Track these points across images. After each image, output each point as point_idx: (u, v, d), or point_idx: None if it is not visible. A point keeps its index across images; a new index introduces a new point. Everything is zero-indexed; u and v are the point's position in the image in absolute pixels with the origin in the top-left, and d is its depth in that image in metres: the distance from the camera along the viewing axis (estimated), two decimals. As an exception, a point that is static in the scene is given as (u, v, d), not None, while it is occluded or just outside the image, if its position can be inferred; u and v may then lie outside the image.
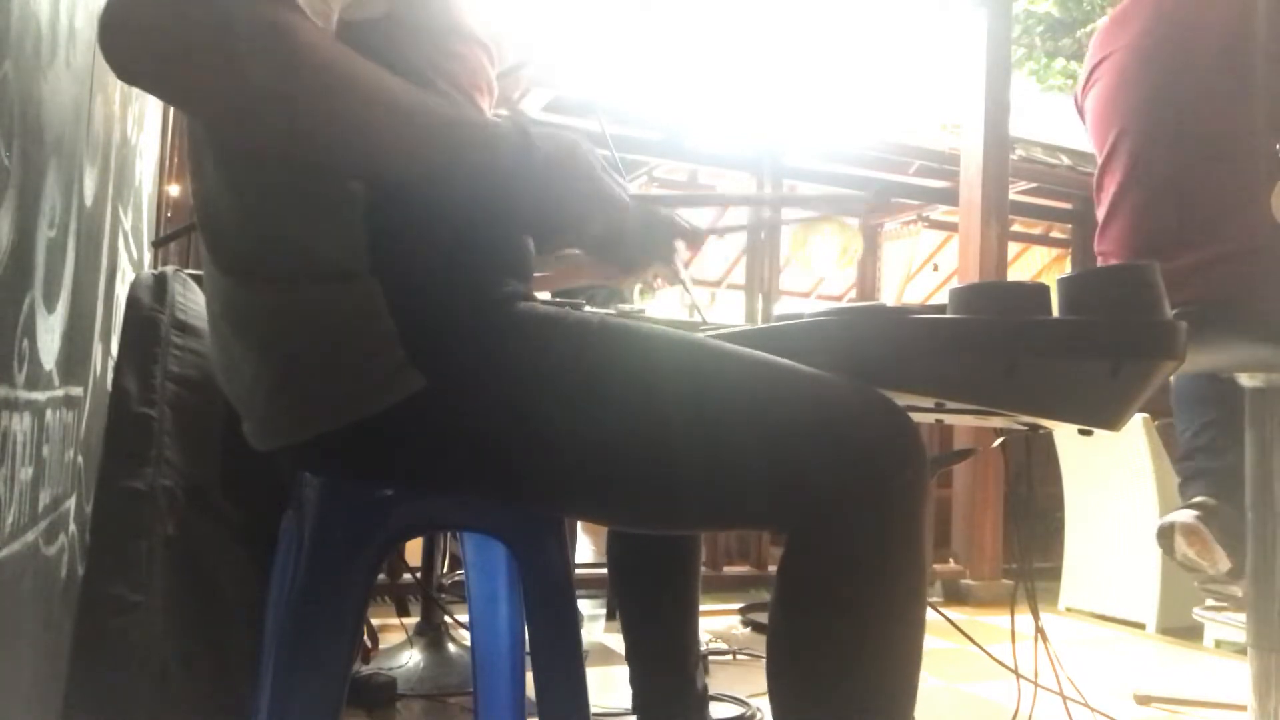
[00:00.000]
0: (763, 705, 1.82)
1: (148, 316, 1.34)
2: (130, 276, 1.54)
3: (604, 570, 1.31)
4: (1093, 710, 1.62)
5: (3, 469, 0.76)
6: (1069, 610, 3.29)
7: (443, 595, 2.10)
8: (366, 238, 0.81)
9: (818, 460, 0.81)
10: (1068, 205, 5.26)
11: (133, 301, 1.36)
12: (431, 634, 2.04)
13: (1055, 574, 3.36)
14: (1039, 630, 1.39)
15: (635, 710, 1.24)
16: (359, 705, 1.76)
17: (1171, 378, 2.05)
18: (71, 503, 1.10)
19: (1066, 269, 6.59)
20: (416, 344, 0.81)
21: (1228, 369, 1.65)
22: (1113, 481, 3.16)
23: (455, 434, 0.83)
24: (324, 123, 0.72)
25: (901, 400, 0.92)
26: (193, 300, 1.41)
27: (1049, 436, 3.34)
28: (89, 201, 1.11)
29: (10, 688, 0.84)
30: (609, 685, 1.92)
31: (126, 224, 1.52)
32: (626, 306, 2.71)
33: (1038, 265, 7.69)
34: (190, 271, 1.47)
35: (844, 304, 3.98)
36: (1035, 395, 0.87)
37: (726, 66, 4.31)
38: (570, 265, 1.30)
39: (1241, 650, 2.13)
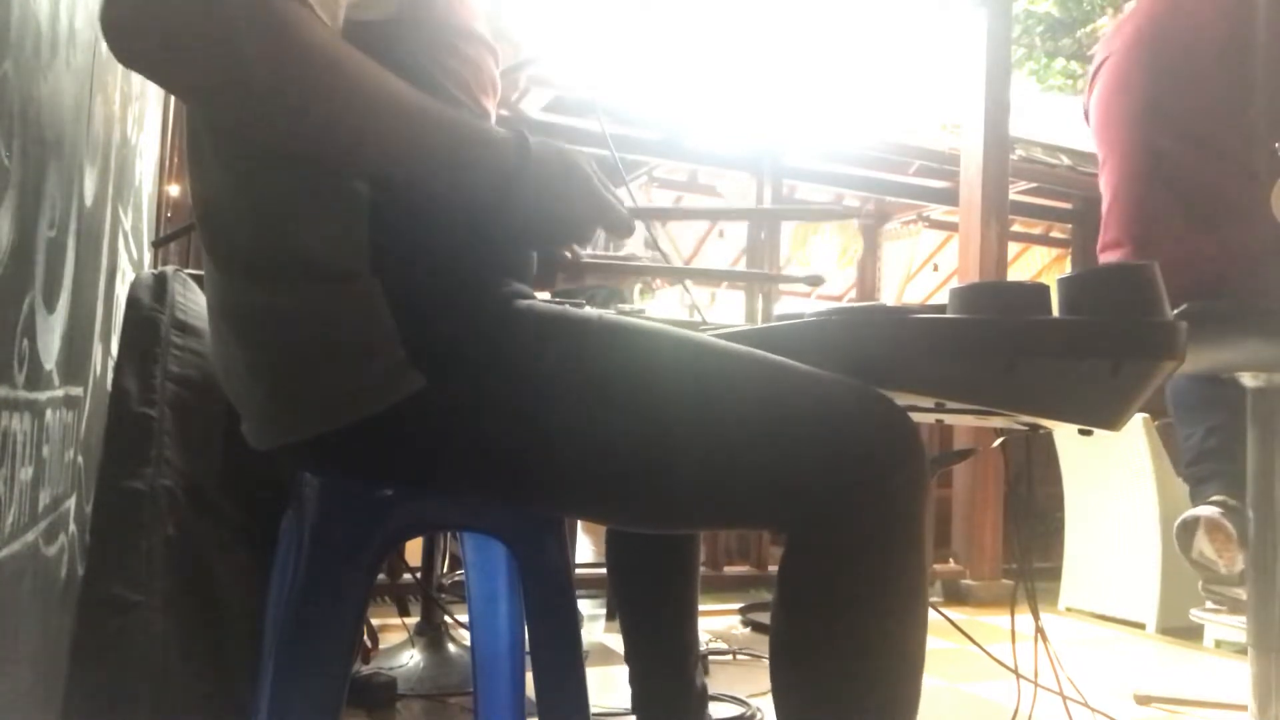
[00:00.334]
0: (763, 705, 1.82)
1: (148, 316, 1.33)
2: (130, 276, 1.54)
3: (604, 570, 1.31)
4: (1093, 710, 1.62)
5: (3, 469, 0.76)
6: (1069, 610, 3.29)
7: (443, 595, 2.10)
8: (367, 237, 0.81)
9: (818, 460, 0.81)
10: (1068, 205, 5.25)
11: (133, 301, 1.36)
12: (431, 634, 2.04)
13: (1055, 574, 3.36)
14: (1039, 630, 1.39)
15: (635, 710, 1.24)
16: (359, 705, 1.76)
17: (1168, 382, 2.05)
18: (71, 503, 1.10)
19: (1066, 269, 6.59)
20: (417, 343, 0.81)
21: (1229, 369, 1.65)
22: (1113, 481, 3.16)
23: (455, 433, 0.83)
24: (325, 117, 0.72)
25: (901, 400, 0.92)
26: (193, 300, 1.41)
27: (1049, 436, 3.34)
28: (89, 201, 1.11)
29: (10, 688, 0.84)
30: (609, 685, 1.92)
31: (126, 224, 1.52)
32: (626, 306, 2.71)
33: (1038, 265, 7.68)
34: (190, 271, 1.47)
35: (844, 304, 3.98)
36: (1035, 395, 0.87)
37: (726, 66, 4.31)
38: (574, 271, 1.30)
39: (1241, 650, 2.13)
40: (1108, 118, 1.75)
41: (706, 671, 2.11)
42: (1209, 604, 2.31)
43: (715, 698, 1.80)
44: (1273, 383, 1.58)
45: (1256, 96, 1.54)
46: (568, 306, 0.89)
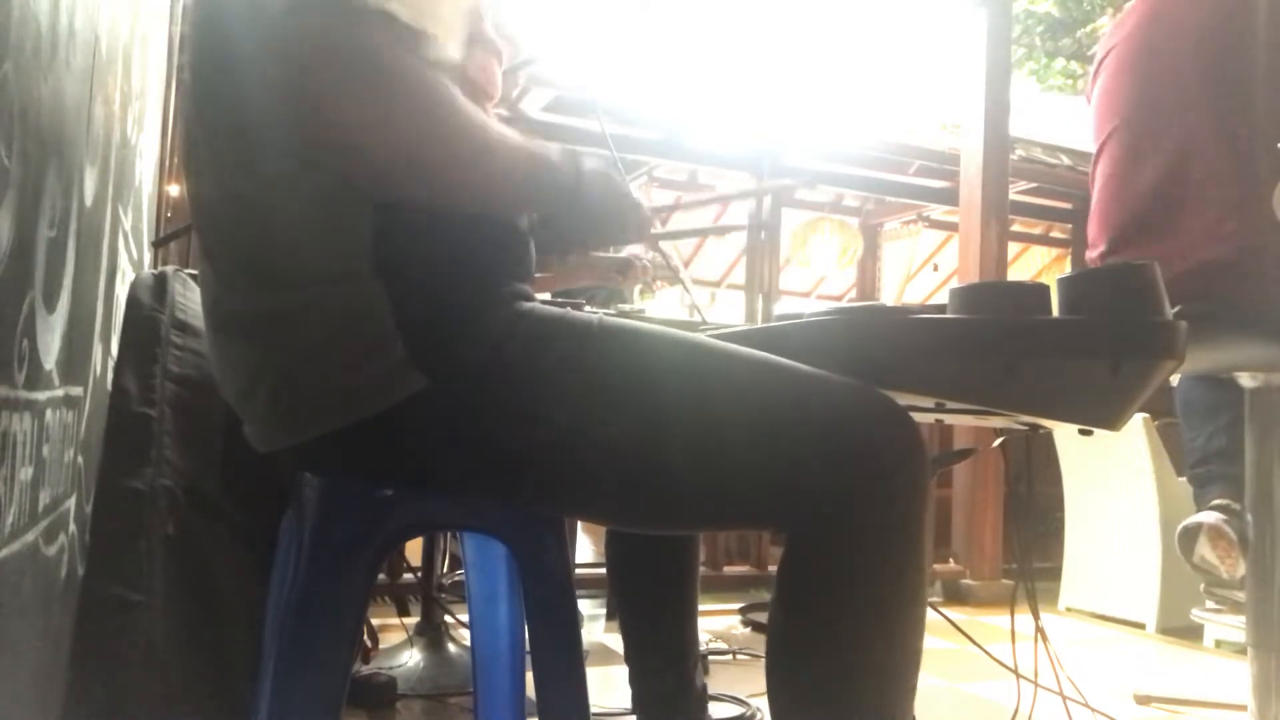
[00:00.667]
0: (763, 705, 1.82)
1: (148, 316, 1.33)
2: (130, 276, 1.54)
3: (604, 570, 1.31)
4: (1093, 710, 1.62)
5: (3, 469, 0.76)
6: (1069, 610, 3.29)
7: (443, 595, 2.10)
8: (369, 239, 0.81)
9: (818, 460, 0.82)
10: (1068, 205, 5.26)
11: (133, 301, 1.36)
12: (431, 634, 2.04)
13: (1055, 574, 3.36)
14: (1039, 630, 1.39)
15: (635, 710, 1.24)
16: (359, 705, 1.76)
17: (1176, 384, 2.05)
18: (71, 503, 1.10)
19: (1066, 269, 6.59)
20: (418, 344, 0.81)
21: (1228, 369, 1.65)
22: (1113, 481, 3.16)
23: (456, 433, 0.83)
24: (423, 152, 0.78)
25: (901, 400, 0.92)
26: (193, 300, 1.41)
27: (1049, 436, 3.34)
28: (89, 201, 1.11)
29: (10, 687, 0.84)
30: (609, 685, 1.92)
31: (126, 224, 1.52)
32: (626, 306, 2.72)
33: (1038, 265, 7.69)
34: (190, 271, 1.47)
35: (844, 304, 3.98)
36: (1035, 395, 0.87)
37: (726, 66, 4.31)
38: (570, 267, 1.30)
39: (1241, 650, 2.13)
40: (1105, 110, 1.75)
41: (706, 671, 2.11)
42: (1209, 604, 2.31)
43: (715, 698, 1.80)
44: (1270, 383, 1.58)
45: (1256, 94, 1.54)
46: (568, 307, 0.89)
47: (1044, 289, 0.86)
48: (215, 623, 1.18)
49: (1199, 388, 1.97)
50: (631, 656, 1.25)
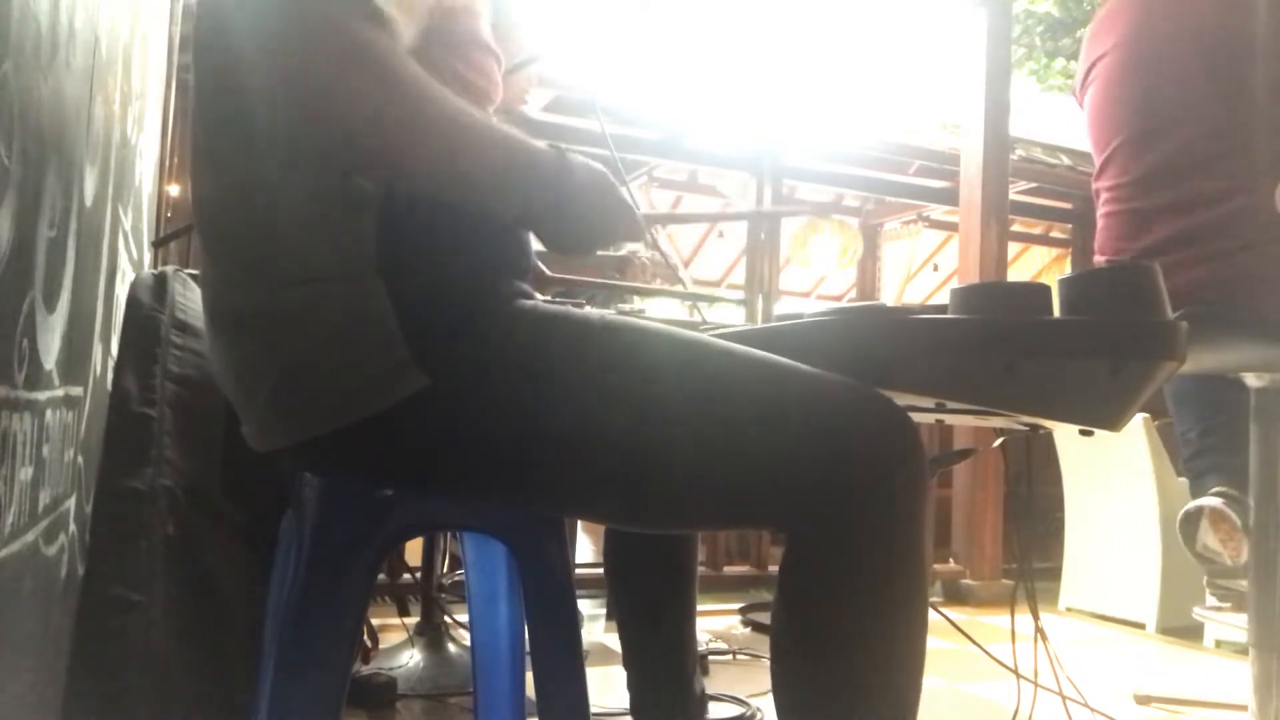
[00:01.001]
0: (763, 705, 1.82)
1: (148, 316, 1.33)
2: (130, 276, 1.54)
3: (604, 569, 1.30)
4: (1093, 710, 1.62)
5: (3, 469, 0.76)
6: (1069, 610, 3.29)
7: (443, 595, 2.10)
8: (370, 238, 0.82)
9: (818, 460, 0.82)
10: (1068, 205, 5.26)
11: (133, 301, 1.36)
12: (431, 634, 2.04)
13: (1055, 574, 3.36)
14: (1039, 630, 1.39)
15: (633, 714, 1.24)
16: (359, 705, 1.76)
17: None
18: (71, 503, 1.10)
19: (1066, 269, 6.59)
20: (419, 343, 0.81)
21: (1231, 369, 1.65)
22: (1113, 481, 3.16)
23: (457, 433, 0.83)
24: (408, 144, 0.75)
25: (901, 400, 0.92)
26: (193, 300, 1.41)
27: (1049, 436, 3.34)
28: (89, 201, 1.11)
29: (10, 688, 0.84)
30: (609, 685, 1.92)
31: (126, 224, 1.52)
32: (626, 306, 2.72)
33: (1038, 265, 7.69)
34: (190, 271, 1.47)
35: (844, 304, 3.98)
36: (1035, 395, 0.87)
37: (726, 66, 4.31)
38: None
39: (1242, 650, 2.13)
40: (1105, 118, 1.74)
41: (706, 672, 2.11)
42: (1210, 600, 2.31)
43: (715, 698, 1.80)
44: (1276, 383, 1.58)
45: (1256, 94, 1.54)
46: (569, 306, 0.89)
47: (1044, 289, 0.86)
48: (215, 622, 1.18)
49: (1190, 380, 1.96)
50: (630, 659, 1.25)
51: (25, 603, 0.88)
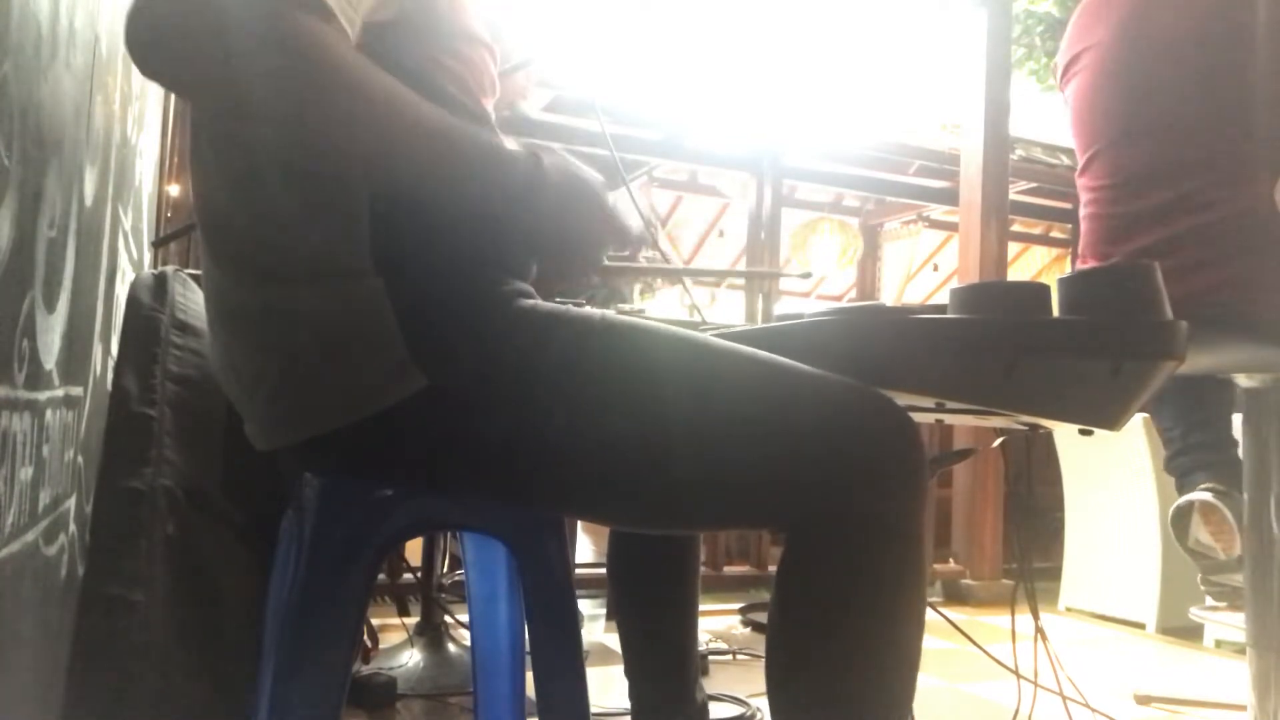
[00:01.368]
0: (763, 705, 1.82)
1: (148, 316, 1.33)
2: (130, 276, 1.54)
3: (604, 570, 1.30)
4: (1093, 710, 1.62)
5: (3, 469, 0.76)
6: (1069, 610, 3.29)
7: (443, 595, 2.10)
8: (369, 237, 0.82)
9: (817, 459, 0.82)
10: (1068, 205, 5.27)
11: (133, 301, 1.36)
12: (431, 634, 2.04)
13: (1055, 574, 3.36)
14: (1039, 630, 1.39)
15: (634, 718, 1.24)
16: (359, 705, 1.76)
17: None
18: (71, 503, 1.10)
19: (1066, 269, 6.59)
20: (418, 342, 0.81)
21: (1227, 370, 1.64)
22: (1113, 481, 3.16)
23: (457, 433, 0.83)
24: (344, 138, 0.73)
25: (901, 400, 0.92)
26: (193, 300, 1.41)
27: (1049, 436, 3.34)
28: (89, 201, 1.11)
29: (10, 688, 0.84)
30: (609, 685, 1.92)
31: (126, 224, 1.52)
32: (626, 306, 2.71)
33: (1038, 265, 7.69)
34: (190, 271, 1.47)
35: (844, 304, 3.98)
36: (1035, 395, 0.87)
37: (726, 66, 4.30)
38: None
39: (1241, 650, 2.13)
40: (1091, 114, 1.71)
41: (706, 672, 2.11)
42: (1209, 600, 2.30)
43: (715, 698, 1.80)
44: (1270, 384, 1.58)
45: (1255, 93, 1.53)
46: (569, 306, 0.89)
47: (1044, 289, 0.86)
48: (215, 623, 1.18)
49: (1174, 378, 1.95)
50: (630, 661, 1.24)
51: (25, 603, 0.88)
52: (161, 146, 2.23)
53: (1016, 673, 1.47)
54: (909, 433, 0.84)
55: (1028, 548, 2.65)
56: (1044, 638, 1.40)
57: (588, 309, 0.90)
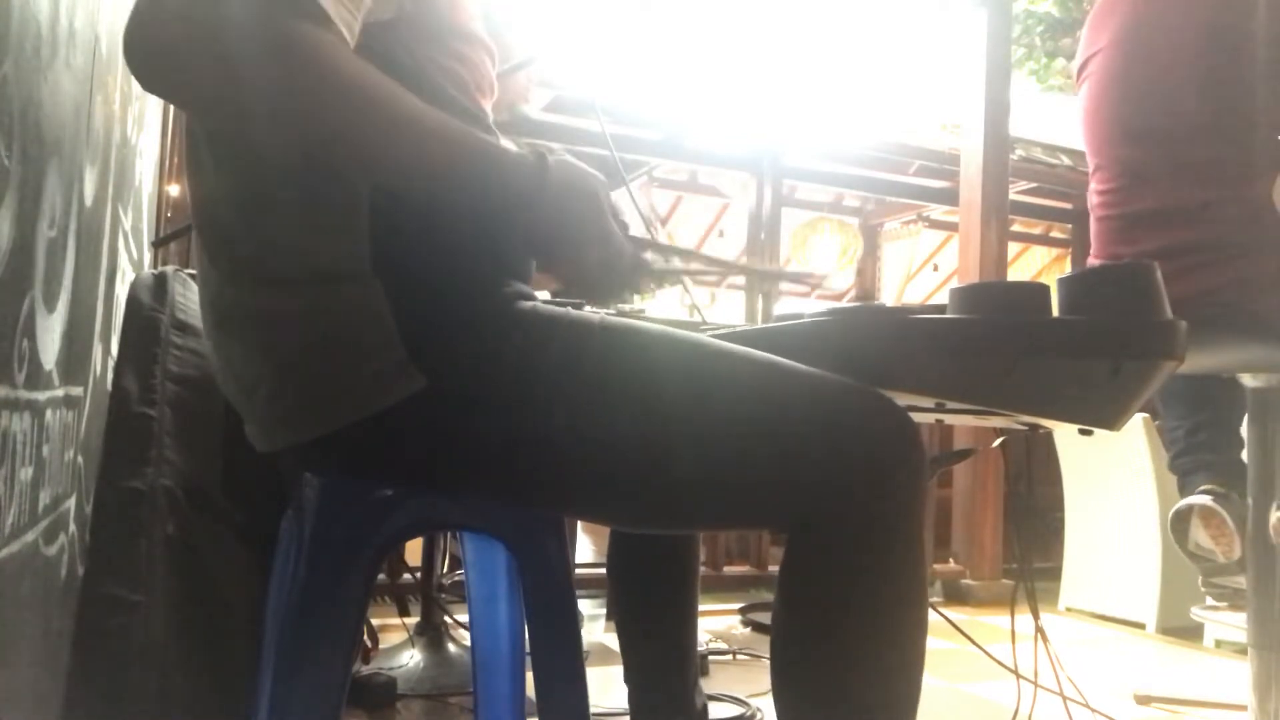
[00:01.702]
0: (763, 705, 1.82)
1: (148, 316, 1.33)
2: (130, 276, 1.54)
3: (604, 570, 1.30)
4: (1093, 710, 1.62)
5: (3, 469, 0.76)
6: (1069, 610, 3.29)
7: (443, 595, 2.10)
8: (368, 238, 0.81)
9: (818, 460, 0.82)
10: (1068, 205, 5.26)
11: (133, 301, 1.36)
12: (431, 634, 2.04)
13: (1055, 574, 3.36)
14: (1039, 630, 1.39)
15: (633, 718, 1.23)
16: (359, 705, 1.76)
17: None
18: (71, 503, 1.10)
19: (1066, 269, 6.59)
20: (418, 343, 0.81)
21: (1229, 369, 1.65)
22: (1113, 481, 3.16)
23: (456, 433, 0.83)
24: (343, 143, 0.73)
25: (901, 400, 0.92)
26: (193, 300, 1.41)
27: (1049, 436, 3.34)
28: (89, 201, 1.11)
29: (10, 687, 0.84)
30: (609, 685, 1.92)
31: (126, 224, 1.52)
32: (626, 306, 2.71)
33: (1038, 265, 7.69)
34: (190, 271, 1.47)
35: (844, 304, 3.98)
36: (1035, 395, 0.87)
37: (726, 66, 4.30)
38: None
39: (1241, 650, 2.13)
40: (1099, 117, 1.72)
41: (706, 672, 2.11)
42: (1209, 600, 2.30)
43: (715, 698, 1.80)
44: (1272, 383, 1.58)
45: (1254, 91, 1.53)
46: (568, 307, 0.89)
47: (1044, 289, 0.86)
48: (215, 623, 1.18)
49: (1178, 378, 1.96)
50: (630, 662, 1.24)
51: (25, 603, 0.88)
52: (161, 146, 2.23)
53: (1016, 673, 1.47)
54: (909, 433, 0.84)
55: (1028, 548, 2.65)
56: (1044, 638, 1.40)
57: (587, 310, 0.90)
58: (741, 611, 2.82)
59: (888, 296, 7.21)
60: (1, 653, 0.81)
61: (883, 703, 0.82)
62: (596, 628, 2.64)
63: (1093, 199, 1.74)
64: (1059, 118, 5.01)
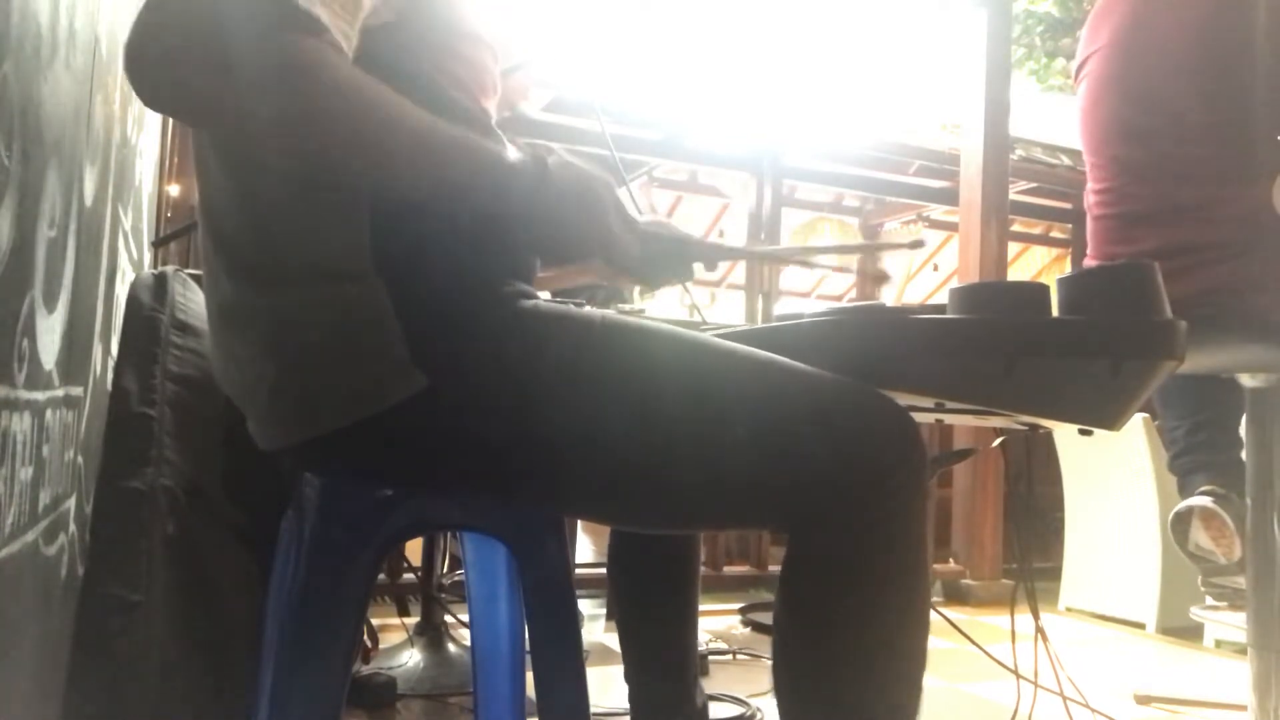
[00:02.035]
0: (763, 705, 1.82)
1: (148, 316, 1.33)
2: (130, 276, 1.54)
3: (604, 570, 1.30)
4: (1093, 710, 1.62)
5: (3, 469, 0.76)
6: (1069, 610, 3.29)
7: (443, 595, 2.10)
8: (370, 238, 0.82)
9: (818, 460, 0.82)
10: (1068, 205, 5.26)
11: (133, 301, 1.36)
12: (431, 634, 2.04)
13: (1055, 574, 3.36)
14: (1039, 630, 1.39)
15: (633, 718, 1.23)
16: (359, 705, 1.76)
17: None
18: (71, 503, 1.10)
19: (1066, 269, 6.60)
20: (419, 343, 0.81)
21: (1228, 369, 1.65)
22: (1113, 481, 3.16)
23: (457, 433, 0.83)
24: (342, 155, 0.73)
25: (901, 400, 0.92)
26: (193, 300, 1.41)
27: (1049, 436, 3.34)
28: (89, 201, 1.11)
29: (10, 688, 0.84)
30: (609, 685, 1.92)
31: (126, 224, 1.52)
32: (626, 306, 2.71)
33: (1038, 265, 7.69)
34: (190, 271, 1.47)
35: (844, 304, 3.98)
36: (1035, 395, 0.87)
37: (726, 66, 4.30)
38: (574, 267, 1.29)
39: (1241, 650, 2.13)
40: (1095, 117, 1.72)
41: (706, 672, 2.11)
42: (1209, 600, 2.30)
43: (715, 698, 1.80)
44: (1271, 383, 1.58)
45: (1254, 90, 1.53)
46: (570, 306, 0.89)
47: (1044, 289, 0.86)
48: (215, 623, 1.18)
49: (1177, 378, 1.96)
50: (629, 662, 1.24)
51: (25, 603, 0.88)
52: (161, 146, 2.23)
53: (1016, 673, 1.47)
54: (909, 432, 0.84)
55: (1028, 548, 2.65)
56: (1044, 638, 1.40)
57: (588, 309, 0.90)
58: (741, 611, 2.82)
59: (888, 296, 7.21)
60: (1, 653, 0.81)
61: (884, 702, 0.82)
62: (596, 628, 2.64)
63: (1089, 199, 1.74)
64: (1059, 118, 5.02)
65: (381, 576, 2.32)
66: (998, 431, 1.35)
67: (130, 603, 1.09)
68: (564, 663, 0.93)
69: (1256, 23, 1.53)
